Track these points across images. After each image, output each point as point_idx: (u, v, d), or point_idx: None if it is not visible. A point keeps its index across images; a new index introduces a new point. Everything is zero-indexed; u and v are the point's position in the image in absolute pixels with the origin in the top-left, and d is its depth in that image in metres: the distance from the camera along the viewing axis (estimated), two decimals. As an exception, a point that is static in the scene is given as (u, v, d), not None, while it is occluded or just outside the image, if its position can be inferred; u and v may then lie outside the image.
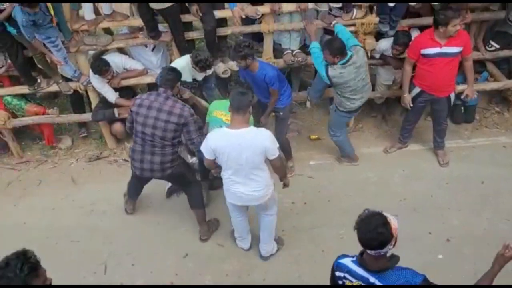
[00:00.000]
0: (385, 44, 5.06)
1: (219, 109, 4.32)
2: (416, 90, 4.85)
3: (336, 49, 4.27)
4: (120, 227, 4.75)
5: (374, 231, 2.37)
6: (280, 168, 3.87)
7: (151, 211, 4.85)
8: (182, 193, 4.76)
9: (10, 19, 4.41)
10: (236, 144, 3.50)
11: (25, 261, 2.25)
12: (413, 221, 4.50)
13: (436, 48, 4.49)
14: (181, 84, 4.48)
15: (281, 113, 4.81)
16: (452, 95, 4.83)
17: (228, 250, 4.47)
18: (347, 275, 2.54)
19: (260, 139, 3.53)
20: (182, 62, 4.66)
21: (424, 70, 4.67)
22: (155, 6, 4.51)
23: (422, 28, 4.95)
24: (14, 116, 5.45)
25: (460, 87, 4.98)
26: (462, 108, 5.57)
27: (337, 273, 2.59)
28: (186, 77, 4.63)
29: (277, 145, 3.65)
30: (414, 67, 4.81)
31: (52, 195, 5.17)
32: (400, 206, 4.68)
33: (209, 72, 4.84)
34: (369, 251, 2.42)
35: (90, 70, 4.96)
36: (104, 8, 4.77)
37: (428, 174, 5.06)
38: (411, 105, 4.93)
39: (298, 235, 4.55)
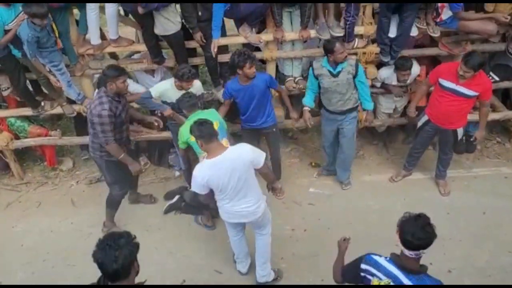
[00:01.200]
0: (386, 72, 5.11)
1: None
2: (424, 118, 4.85)
3: None
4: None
5: (422, 230, 2.45)
6: (268, 173, 3.93)
7: (148, 236, 4.81)
8: (180, 212, 4.94)
9: (14, 41, 4.47)
10: (224, 169, 3.51)
11: (132, 240, 2.38)
12: (414, 251, 4.45)
13: (452, 83, 4.44)
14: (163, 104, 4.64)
15: (274, 129, 4.92)
16: (460, 130, 4.80)
17: (226, 277, 4.41)
18: (374, 270, 2.57)
19: (244, 155, 3.57)
20: (166, 84, 4.69)
21: (435, 99, 4.66)
22: (159, 32, 4.59)
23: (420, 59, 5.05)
24: (17, 137, 5.49)
25: (468, 117, 4.93)
26: (464, 138, 5.57)
27: (363, 266, 2.62)
28: (170, 98, 4.66)
29: (260, 153, 3.69)
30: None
31: (51, 217, 5.15)
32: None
33: (192, 89, 4.68)
34: (408, 252, 2.49)
35: (95, 95, 5.00)
36: (111, 33, 4.85)
37: (430, 204, 5.02)
38: (415, 114, 4.98)
39: (298, 262, 4.50)
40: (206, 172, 3.54)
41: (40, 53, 4.46)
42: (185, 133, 4.14)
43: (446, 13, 4.63)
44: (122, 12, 5.05)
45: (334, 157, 5.27)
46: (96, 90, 4.60)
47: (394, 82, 5.12)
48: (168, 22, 4.49)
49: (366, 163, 5.71)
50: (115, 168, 4.52)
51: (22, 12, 4.27)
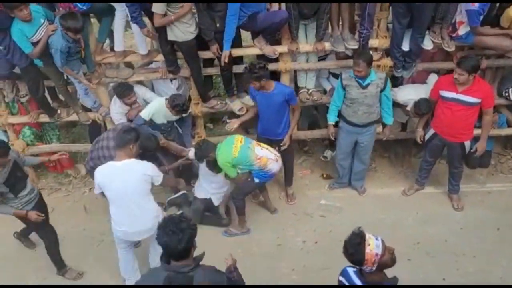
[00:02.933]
0: (403, 99, 5.07)
1: (230, 147, 4.46)
2: (431, 131, 4.86)
3: None
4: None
5: (346, 250, 2.64)
6: (169, 184, 4.56)
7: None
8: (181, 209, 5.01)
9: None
10: (117, 175, 3.78)
11: (191, 224, 2.66)
12: (427, 266, 4.41)
13: (452, 93, 4.52)
14: (153, 126, 4.77)
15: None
16: (467, 143, 4.79)
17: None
18: (345, 281, 2.77)
19: (141, 168, 3.84)
20: (157, 105, 4.73)
21: (440, 112, 4.70)
22: (170, 37, 4.61)
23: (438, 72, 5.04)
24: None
25: (475, 132, 4.96)
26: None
27: (340, 277, 2.82)
28: (161, 119, 4.77)
29: (158, 173, 3.98)
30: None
31: (63, 223, 5.17)
32: (414, 250, 4.60)
33: (184, 115, 4.91)
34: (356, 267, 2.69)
35: (112, 102, 5.07)
36: (140, 49, 4.96)
37: (443, 218, 4.98)
38: (422, 140, 4.97)
39: (309, 275, 4.47)
40: (102, 173, 3.89)
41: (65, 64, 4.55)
42: (225, 156, 4.43)
43: (463, 29, 4.63)
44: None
45: (348, 169, 5.29)
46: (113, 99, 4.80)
47: (408, 108, 5.10)
48: (178, 30, 4.55)
49: (378, 176, 5.69)
50: None
51: (47, 24, 4.39)
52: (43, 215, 4.16)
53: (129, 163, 3.81)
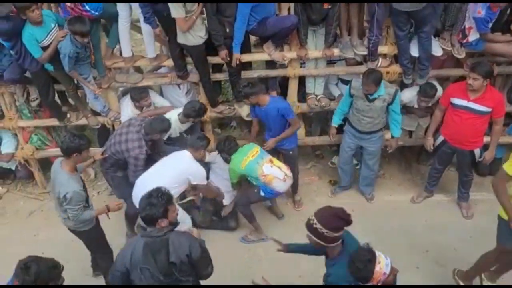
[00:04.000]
0: (408, 97, 5.07)
1: (242, 157, 4.56)
2: (440, 138, 4.82)
3: None
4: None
5: (353, 264, 2.55)
6: (209, 193, 4.84)
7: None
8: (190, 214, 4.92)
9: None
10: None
11: (163, 193, 2.95)
12: (436, 275, 4.37)
13: (463, 101, 4.48)
14: (168, 141, 4.97)
15: (291, 152, 4.97)
16: (477, 151, 4.75)
17: None
18: None
19: (187, 167, 4.34)
20: (172, 121, 4.75)
21: (449, 119, 4.66)
22: (180, 40, 4.63)
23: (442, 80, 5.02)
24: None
25: (485, 139, 4.91)
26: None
27: None
28: (176, 133, 4.94)
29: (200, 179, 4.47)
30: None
31: (72, 226, 5.20)
32: (422, 258, 4.56)
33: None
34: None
35: (123, 106, 5.13)
36: (149, 52, 4.99)
37: (452, 226, 4.93)
38: (432, 148, 4.93)
39: (316, 281, 4.41)
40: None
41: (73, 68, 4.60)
42: (235, 164, 4.57)
43: (473, 35, 4.61)
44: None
45: (350, 174, 5.31)
46: (123, 99, 5.03)
47: (416, 106, 5.10)
48: (189, 34, 4.57)
49: (387, 183, 5.65)
50: (121, 184, 4.70)
51: (57, 29, 4.44)
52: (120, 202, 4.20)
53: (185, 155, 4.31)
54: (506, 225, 3.57)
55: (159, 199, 2.94)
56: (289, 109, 4.75)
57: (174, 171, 4.33)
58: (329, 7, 4.55)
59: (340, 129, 5.17)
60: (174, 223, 3.03)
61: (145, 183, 4.08)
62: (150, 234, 2.94)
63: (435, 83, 5.05)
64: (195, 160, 4.46)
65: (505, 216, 3.58)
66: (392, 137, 5.04)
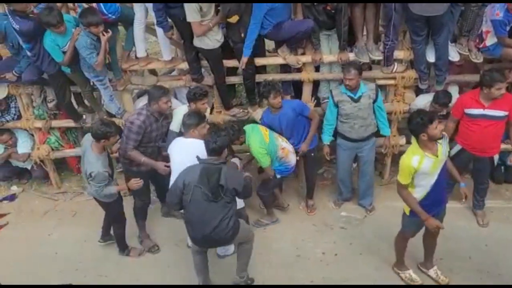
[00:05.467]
0: (422, 103, 5.01)
1: (260, 134, 4.59)
2: (457, 148, 4.74)
3: None
4: (147, 265, 4.75)
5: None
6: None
7: (177, 250, 4.85)
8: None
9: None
10: (181, 149, 4.20)
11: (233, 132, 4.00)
12: (450, 283, 4.29)
13: (479, 110, 4.43)
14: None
15: (312, 154, 4.95)
16: (496, 156, 4.70)
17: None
18: None
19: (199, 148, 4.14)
20: (182, 114, 4.65)
21: (467, 129, 4.59)
22: (195, 43, 4.66)
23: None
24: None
25: (502, 146, 4.84)
26: (503, 167, 5.40)
27: None
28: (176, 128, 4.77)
29: None
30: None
31: (85, 227, 5.26)
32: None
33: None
34: None
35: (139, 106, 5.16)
36: (164, 55, 5.03)
37: (467, 234, 4.86)
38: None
39: (328, 288, 4.41)
40: None
41: (88, 68, 4.66)
42: (259, 141, 4.50)
43: (490, 39, 4.56)
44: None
45: (350, 186, 5.31)
46: (138, 100, 5.08)
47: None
48: (206, 38, 4.60)
49: (400, 189, 5.58)
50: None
51: (75, 29, 4.52)
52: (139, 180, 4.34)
53: (194, 141, 4.16)
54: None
55: (230, 131, 4.22)
56: (303, 105, 4.85)
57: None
58: (332, 10, 4.54)
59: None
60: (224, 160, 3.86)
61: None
62: (208, 161, 3.77)
63: (456, 89, 4.98)
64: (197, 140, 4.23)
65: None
66: (383, 136, 5.03)
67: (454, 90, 5.00)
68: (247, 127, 4.66)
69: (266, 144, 4.53)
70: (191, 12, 4.36)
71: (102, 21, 4.43)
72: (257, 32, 4.61)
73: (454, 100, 4.93)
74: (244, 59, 4.72)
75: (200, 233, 3.84)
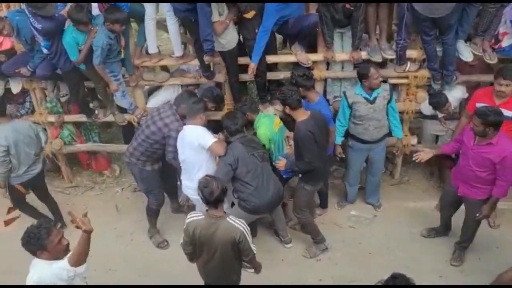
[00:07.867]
0: (426, 110, 5.01)
1: (271, 120, 4.69)
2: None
3: None
4: (156, 260, 4.78)
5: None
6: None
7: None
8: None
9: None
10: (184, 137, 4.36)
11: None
12: (460, 284, 4.27)
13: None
14: None
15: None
16: None
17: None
18: None
19: (192, 135, 4.32)
20: None
21: None
22: (218, 48, 4.70)
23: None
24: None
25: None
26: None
27: None
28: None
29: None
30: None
31: (95, 221, 5.12)
32: (446, 267, 4.47)
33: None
34: None
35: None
36: (176, 51, 5.04)
37: (478, 236, 4.77)
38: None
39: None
40: None
41: (103, 63, 4.69)
42: (267, 126, 4.57)
43: (507, 41, 4.51)
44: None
45: (357, 190, 5.29)
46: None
47: (440, 115, 5.01)
48: (223, 40, 4.62)
49: (411, 189, 5.57)
50: (148, 178, 4.69)
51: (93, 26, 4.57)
52: None
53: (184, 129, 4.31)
54: None
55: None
56: (330, 118, 4.67)
57: (190, 148, 4.25)
58: (352, 8, 4.50)
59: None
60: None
61: None
62: (242, 136, 4.30)
63: (462, 88, 4.94)
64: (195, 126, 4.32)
65: None
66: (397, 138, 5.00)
67: (459, 90, 4.95)
68: (262, 113, 4.75)
69: (273, 131, 4.55)
70: (215, 12, 4.44)
71: (127, 18, 4.48)
72: (266, 40, 4.61)
73: (456, 100, 4.91)
74: (252, 65, 4.73)
75: (266, 196, 4.20)
